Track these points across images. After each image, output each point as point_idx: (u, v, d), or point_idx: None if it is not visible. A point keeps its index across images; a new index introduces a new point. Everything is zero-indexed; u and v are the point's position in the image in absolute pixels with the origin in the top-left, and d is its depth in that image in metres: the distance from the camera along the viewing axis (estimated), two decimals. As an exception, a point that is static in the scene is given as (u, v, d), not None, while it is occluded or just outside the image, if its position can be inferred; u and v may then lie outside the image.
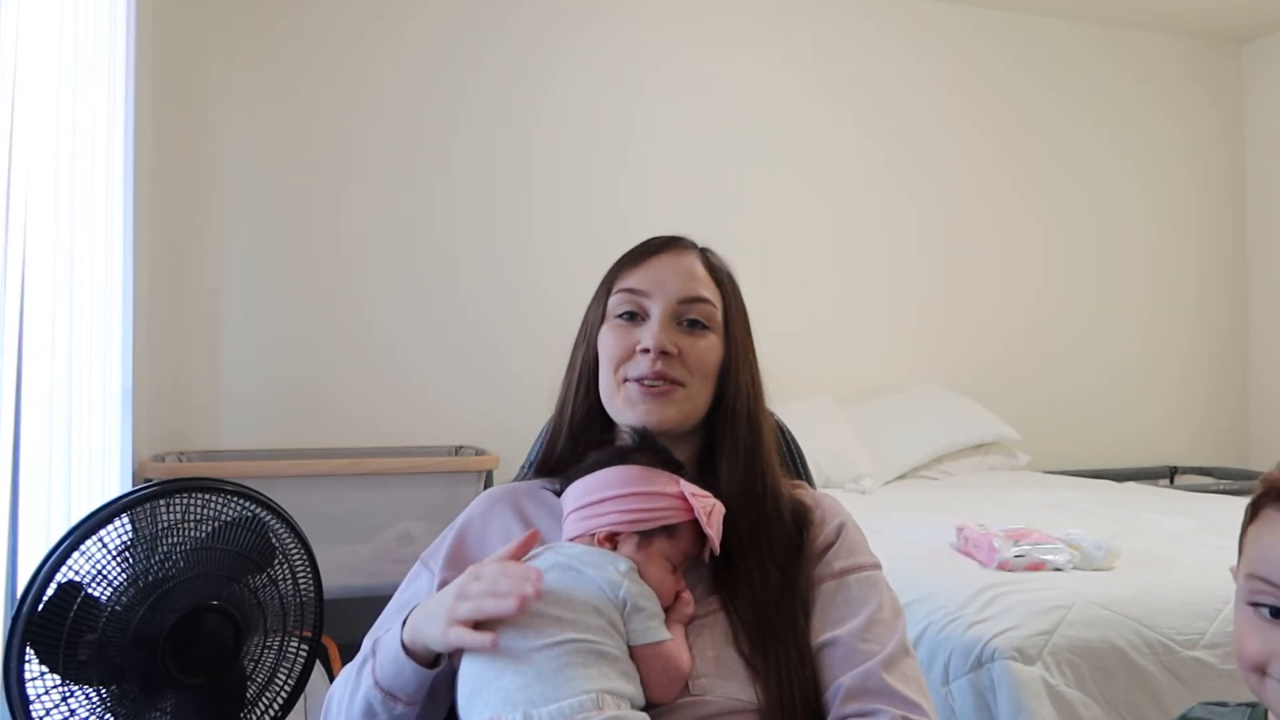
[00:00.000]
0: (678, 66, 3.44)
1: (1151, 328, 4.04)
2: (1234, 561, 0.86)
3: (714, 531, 0.93)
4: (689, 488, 0.94)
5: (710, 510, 0.94)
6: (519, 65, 3.24)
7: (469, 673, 0.86)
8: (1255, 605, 0.77)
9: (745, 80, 3.52)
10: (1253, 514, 0.81)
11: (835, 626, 0.94)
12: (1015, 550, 1.89)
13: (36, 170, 1.56)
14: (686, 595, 0.94)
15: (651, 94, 3.40)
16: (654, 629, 0.88)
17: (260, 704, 1.38)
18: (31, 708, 1.17)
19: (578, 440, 1.08)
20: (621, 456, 0.98)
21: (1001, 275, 3.84)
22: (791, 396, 3.06)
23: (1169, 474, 3.89)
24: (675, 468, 0.98)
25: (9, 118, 1.41)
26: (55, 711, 1.19)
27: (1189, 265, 4.12)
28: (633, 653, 0.87)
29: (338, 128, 3.06)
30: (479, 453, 2.79)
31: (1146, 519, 2.38)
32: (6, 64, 1.41)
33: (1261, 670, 0.76)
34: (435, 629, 0.87)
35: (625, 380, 1.04)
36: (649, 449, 0.99)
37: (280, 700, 1.40)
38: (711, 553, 0.95)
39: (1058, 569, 1.87)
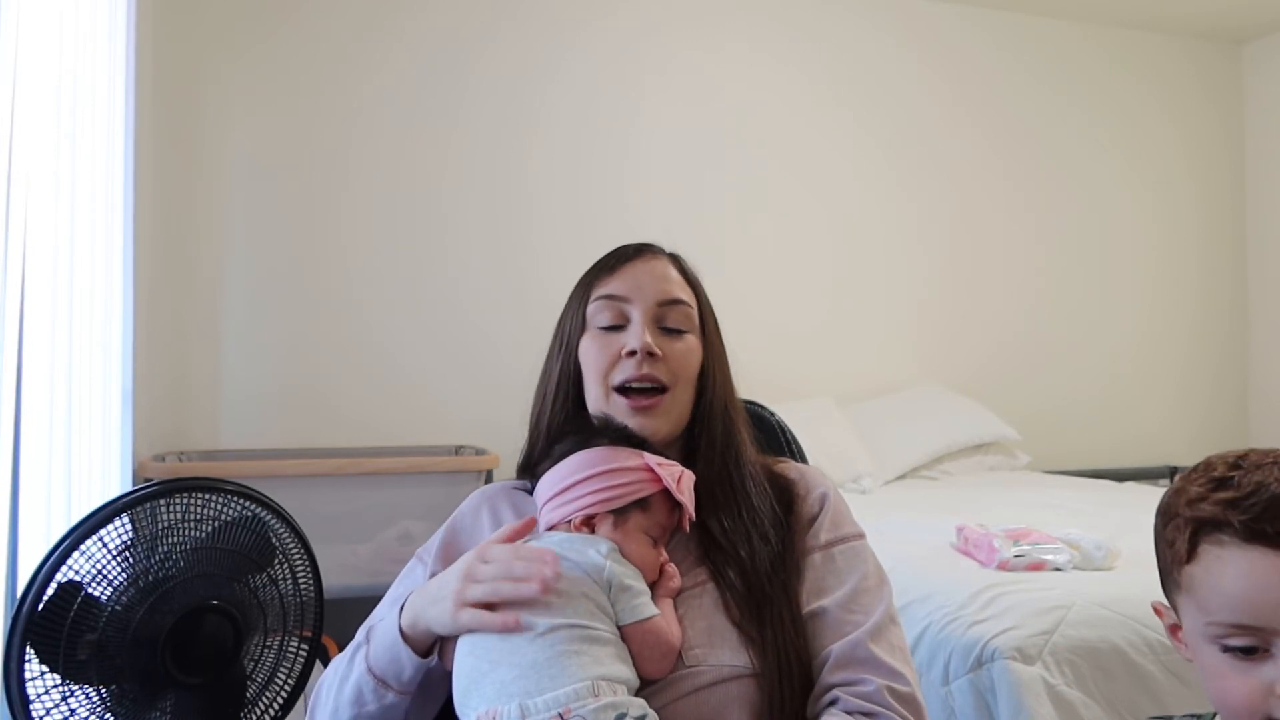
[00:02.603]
0: (677, 66, 3.44)
1: (1151, 328, 4.04)
2: (1156, 596, 0.81)
3: (686, 498, 0.95)
4: (653, 459, 0.96)
5: (679, 477, 0.95)
6: (519, 64, 3.24)
7: (464, 668, 0.87)
8: (1227, 649, 0.72)
9: (744, 80, 3.52)
10: (1189, 552, 0.74)
11: (822, 596, 0.97)
12: (1015, 550, 1.89)
13: (36, 170, 1.56)
14: (671, 569, 0.96)
15: (651, 94, 3.40)
16: (641, 607, 0.89)
17: (260, 704, 1.38)
18: (31, 707, 1.17)
19: (553, 443, 1.08)
20: (584, 442, 0.99)
21: (1001, 275, 3.84)
22: (791, 396, 3.06)
23: (1169, 474, 3.89)
24: (638, 443, 1.00)
25: (9, 118, 1.41)
26: (55, 711, 1.19)
27: (1189, 265, 4.12)
28: (622, 632, 0.88)
29: (338, 128, 3.06)
30: (479, 453, 2.79)
31: (1146, 519, 2.37)
32: (6, 64, 1.41)
33: (1259, 718, 0.70)
34: (440, 612, 0.88)
35: (613, 389, 1.05)
36: (609, 430, 1.01)
37: (280, 700, 1.40)
38: (694, 524, 0.97)
39: (1058, 569, 1.87)
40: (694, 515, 0.97)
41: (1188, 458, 3.95)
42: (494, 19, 3.22)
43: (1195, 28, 4.07)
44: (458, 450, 2.93)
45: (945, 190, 3.77)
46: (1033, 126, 3.90)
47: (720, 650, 0.91)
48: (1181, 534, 0.75)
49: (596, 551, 0.90)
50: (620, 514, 0.94)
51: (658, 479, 0.95)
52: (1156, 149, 4.08)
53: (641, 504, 0.94)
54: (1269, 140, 4.12)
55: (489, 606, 0.85)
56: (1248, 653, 0.71)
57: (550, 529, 0.96)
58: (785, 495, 1.06)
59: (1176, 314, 4.09)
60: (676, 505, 0.96)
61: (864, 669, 0.91)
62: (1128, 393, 3.98)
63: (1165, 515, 0.79)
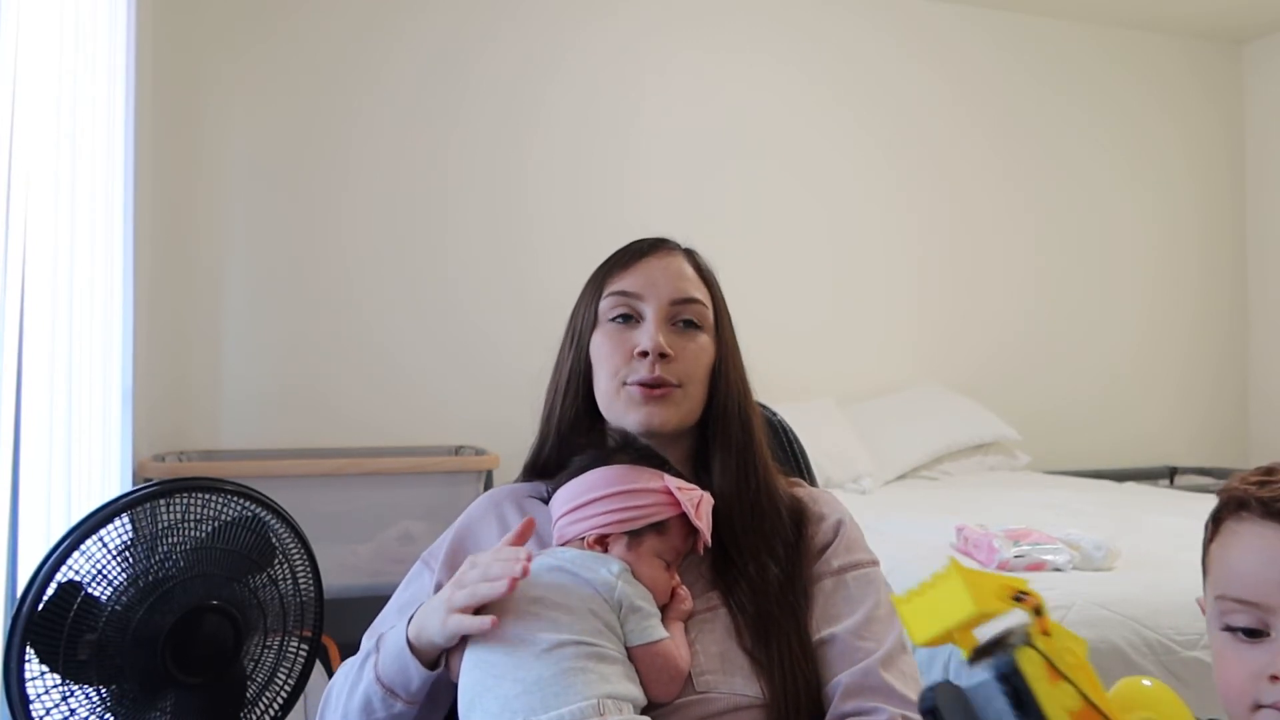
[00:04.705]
0: (677, 67, 3.44)
1: (1151, 328, 4.04)
2: (1200, 592, 0.81)
3: (703, 523, 0.93)
4: (673, 481, 0.94)
5: (698, 502, 0.93)
6: (519, 64, 3.24)
7: (468, 680, 0.86)
8: (1230, 630, 0.72)
9: (744, 80, 3.52)
10: (1213, 531, 0.75)
11: (833, 623, 0.95)
12: (1015, 550, 1.89)
13: (36, 171, 1.56)
14: (683, 591, 0.94)
15: (651, 94, 3.40)
16: (650, 629, 0.87)
17: (260, 704, 1.38)
18: (31, 707, 1.17)
19: (565, 442, 1.07)
20: (604, 458, 0.97)
21: (1001, 275, 3.84)
22: (792, 397, 3.06)
23: (1169, 474, 3.89)
24: (659, 463, 0.98)
25: (9, 117, 1.41)
26: (55, 711, 1.19)
27: (1189, 265, 4.12)
28: (631, 653, 0.86)
29: (338, 128, 3.06)
30: (479, 453, 2.79)
31: (1146, 519, 2.38)
32: (6, 64, 1.41)
33: (1249, 703, 0.69)
34: (436, 621, 0.87)
35: (624, 384, 1.03)
36: (630, 448, 0.99)
37: (280, 700, 1.40)
38: (708, 548, 0.95)
39: (1058, 569, 1.87)
40: (709, 541, 0.95)
41: (1188, 458, 3.96)
42: (494, 19, 3.22)
43: (1195, 28, 4.07)
44: (458, 450, 2.93)
45: (945, 190, 3.77)
46: (1033, 126, 3.90)
47: (733, 678, 0.90)
48: (1212, 514, 0.76)
49: (608, 571, 0.89)
50: (635, 535, 0.92)
51: (676, 503, 0.93)
52: (1156, 149, 4.08)
53: (657, 527, 0.93)
54: (1269, 140, 4.12)
55: (477, 613, 0.85)
56: (1250, 634, 0.70)
57: (563, 544, 0.95)
58: (797, 518, 1.03)
59: (1176, 314, 4.09)
60: (693, 529, 0.94)
61: (876, 697, 0.89)
62: (1128, 393, 3.98)
63: (1211, 511, 0.79)
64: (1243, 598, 0.70)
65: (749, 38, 3.54)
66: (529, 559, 0.86)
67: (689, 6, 3.46)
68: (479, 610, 0.85)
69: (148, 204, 2.59)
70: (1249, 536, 0.71)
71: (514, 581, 0.83)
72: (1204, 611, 0.80)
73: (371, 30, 3.10)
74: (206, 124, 2.93)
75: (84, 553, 1.20)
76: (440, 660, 0.91)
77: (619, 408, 1.04)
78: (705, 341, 1.06)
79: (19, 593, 1.21)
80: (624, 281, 1.06)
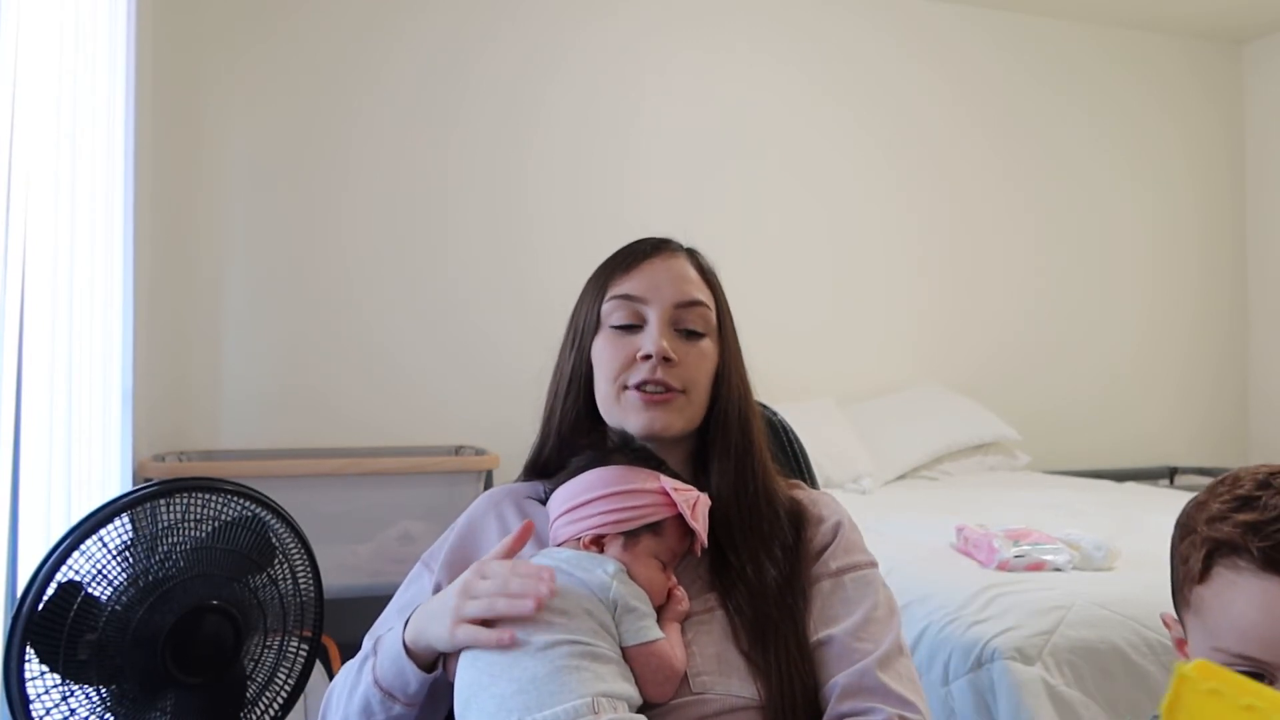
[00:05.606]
0: (678, 67, 3.44)
1: (1151, 328, 4.05)
2: (1167, 608, 0.77)
3: (699, 524, 0.93)
4: (670, 482, 0.94)
5: (694, 503, 0.93)
6: (519, 65, 3.24)
7: (464, 680, 0.86)
8: None
9: (744, 80, 3.52)
10: (1202, 572, 0.71)
11: (831, 625, 0.94)
12: (1015, 550, 1.90)
13: (36, 171, 1.56)
14: (679, 593, 0.94)
15: (651, 94, 3.40)
16: (645, 629, 0.87)
17: (260, 704, 1.38)
18: (31, 707, 1.17)
19: (565, 443, 1.07)
20: (601, 459, 0.97)
21: (1001, 275, 3.84)
22: (792, 396, 3.06)
23: (1169, 474, 3.89)
24: (655, 464, 0.98)
25: (9, 118, 1.41)
26: (55, 711, 1.19)
27: (1189, 265, 4.12)
28: (626, 654, 0.86)
29: (338, 128, 3.06)
30: (479, 453, 2.79)
31: (1146, 519, 2.38)
32: (6, 64, 1.41)
33: None
34: (440, 628, 0.87)
35: (625, 388, 1.03)
36: (628, 448, 0.99)
37: (280, 700, 1.40)
38: (706, 550, 0.95)
39: (1058, 569, 1.87)
40: (706, 542, 0.94)
41: (1188, 458, 3.96)
42: (494, 19, 3.22)
43: (1195, 28, 4.07)
44: (458, 450, 2.93)
45: (945, 190, 3.77)
46: (1033, 127, 3.90)
47: (729, 679, 0.90)
48: (1197, 552, 0.72)
49: (604, 571, 0.89)
50: (631, 536, 0.92)
51: (672, 504, 0.93)
52: (1156, 149, 4.08)
53: (653, 528, 0.93)
54: (1269, 140, 4.12)
55: (487, 623, 0.85)
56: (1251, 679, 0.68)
57: (560, 545, 0.95)
58: (795, 520, 1.03)
59: (1176, 314, 4.09)
60: (689, 530, 0.94)
61: (873, 698, 0.89)
62: (1128, 393, 3.98)
63: (1183, 529, 0.75)
64: (1249, 655, 0.67)
65: (749, 38, 3.54)
66: (552, 577, 0.85)
67: (689, 6, 3.46)
68: (488, 623, 0.85)
69: (148, 204, 2.59)
70: (1249, 590, 0.67)
71: (540, 602, 0.83)
72: (1169, 627, 0.78)
73: (371, 30, 3.10)
74: (206, 124, 2.93)
75: (84, 553, 1.20)
76: (438, 663, 0.91)
77: (618, 412, 1.03)
78: (708, 346, 1.05)
79: (19, 593, 1.21)
80: (627, 284, 1.05)
